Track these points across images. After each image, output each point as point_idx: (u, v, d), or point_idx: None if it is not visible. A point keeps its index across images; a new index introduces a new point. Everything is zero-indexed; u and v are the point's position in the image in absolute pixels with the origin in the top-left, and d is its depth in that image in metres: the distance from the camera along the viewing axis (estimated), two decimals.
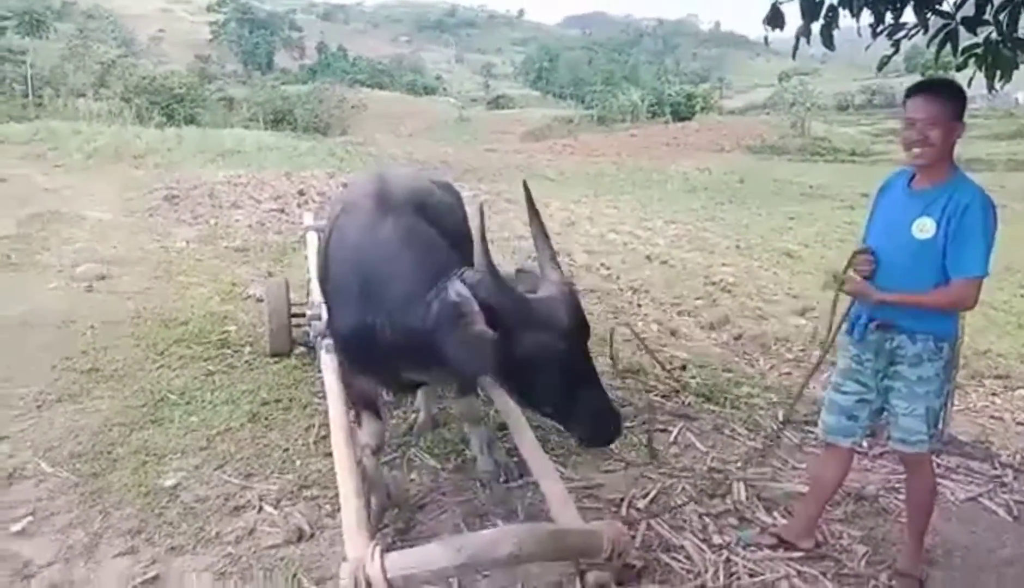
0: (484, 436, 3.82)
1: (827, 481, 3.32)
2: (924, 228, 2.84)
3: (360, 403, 3.44)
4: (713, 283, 8.31)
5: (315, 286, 4.99)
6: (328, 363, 3.93)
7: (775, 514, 3.59)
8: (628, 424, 4.53)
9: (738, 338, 6.51)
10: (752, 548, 3.29)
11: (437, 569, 2.57)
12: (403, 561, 2.58)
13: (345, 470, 3.17)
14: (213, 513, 3.51)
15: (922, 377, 2.92)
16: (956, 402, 5.15)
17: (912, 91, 2.91)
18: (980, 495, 3.85)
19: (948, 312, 2.93)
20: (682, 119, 37.19)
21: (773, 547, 3.33)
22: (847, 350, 3.12)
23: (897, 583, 3.09)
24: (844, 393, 3.13)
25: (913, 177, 2.98)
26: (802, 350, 6.35)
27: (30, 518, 3.43)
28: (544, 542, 2.76)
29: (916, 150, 2.85)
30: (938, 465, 4.13)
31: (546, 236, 2.77)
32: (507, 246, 9.53)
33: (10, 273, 7.62)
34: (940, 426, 3.06)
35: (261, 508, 3.55)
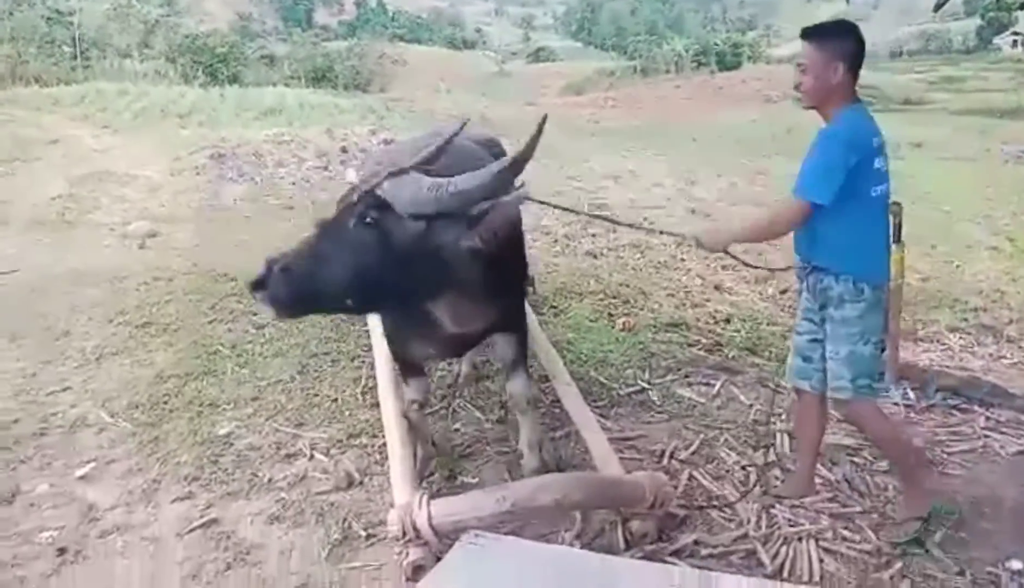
0: (533, 430, 3.44)
1: (804, 430, 3.33)
2: (804, 162, 2.93)
3: (407, 366, 3.45)
4: None
5: None
6: (374, 318, 4.01)
7: (818, 465, 3.57)
8: (671, 377, 4.54)
9: (784, 292, 6.41)
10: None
11: (482, 516, 2.63)
12: (448, 508, 2.66)
13: (392, 421, 3.25)
14: (265, 460, 3.63)
15: (845, 318, 2.92)
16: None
17: (800, 34, 2.97)
18: None
19: (867, 252, 2.90)
20: (728, 69, 36.12)
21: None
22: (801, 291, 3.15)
23: (896, 534, 3.05)
24: (799, 333, 3.19)
25: None
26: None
27: (93, 464, 3.60)
28: (587, 491, 2.81)
29: (799, 95, 2.96)
30: (987, 418, 4.07)
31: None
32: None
33: (64, 231, 7.84)
34: (875, 378, 2.99)
35: (312, 456, 3.66)
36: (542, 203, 3.83)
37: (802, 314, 3.18)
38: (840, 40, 2.87)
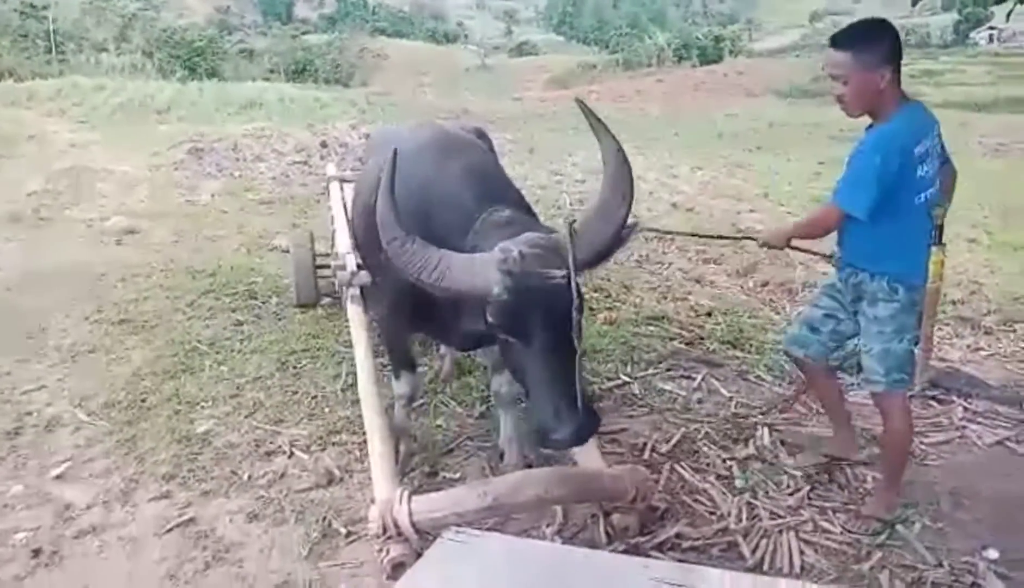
0: (516, 426, 3.50)
1: (822, 397, 3.47)
2: (848, 164, 2.92)
3: (398, 358, 3.47)
4: (740, 230, 8.19)
5: (340, 236, 5.01)
6: (354, 314, 3.97)
7: (798, 458, 3.59)
8: (652, 371, 4.54)
9: (765, 285, 6.44)
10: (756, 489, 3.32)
11: (463, 512, 2.61)
12: (430, 504, 2.64)
13: (373, 417, 3.22)
14: (245, 458, 3.60)
15: (877, 317, 2.95)
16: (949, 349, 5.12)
17: (830, 42, 2.88)
18: (1007, 439, 3.81)
19: (904, 254, 2.86)
20: (710, 62, 36.26)
21: (827, 465, 3.44)
22: (833, 276, 3.22)
23: (856, 525, 3.09)
24: (816, 306, 3.26)
25: None
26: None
27: (69, 464, 3.54)
28: (568, 486, 2.80)
29: (840, 106, 2.90)
30: (964, 409, 4.11)
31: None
32: (530, 195, 9.46)
33: (41, 228, 7.74)
34: (909, 371, 3.02)
35: (292, 453, 3.63)
36: (653, 231, 4.13)
37: (825, 290, 3.25)
38: (879, 42, 2.76)
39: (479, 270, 2.36)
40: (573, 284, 2.31)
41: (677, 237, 7.79)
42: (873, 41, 2.77)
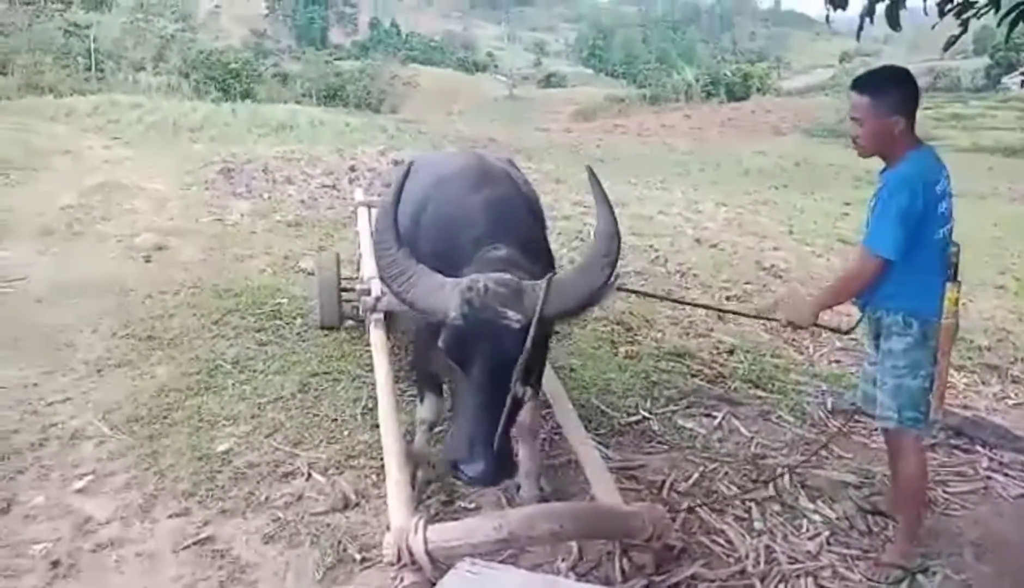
0: (533, 458, 3.45)
1: (890, 462, 3.30)
2: (872, 209, 2.95)
3: (425, 380, 3.51)
4: (764, 269, 8.17)
5: (366, 261, 5.06)
6: (377, 339, 4.00)
7: (819, 502, 3.55)
8: (672, 407, 4.52)
9: (789, 324, 6.40)
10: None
11: (478, 543, 2.61)
12: (445, 534, 2.63)
13: (391, 443, 3.24)
14: (263, 478, 3.61)
15: (892, 350, 2.96)
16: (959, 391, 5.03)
17: (851, 85, 2.94)
18: None
19: (919, 290, 2.88)
20: (738, 99, 36.39)
21: (873, 514, 3.40)
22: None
23: (875, 573, 3.04)
24: (871, 363, 3.22)
25: None
26: (853, 339, 6.22)
27: (91, 477, 3.58)
28: (584, 522, 2.79)
29: (855, 147, 2.97)
30: (990, 459, 4.05)
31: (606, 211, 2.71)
32: (553, 226, 9.51)
33: (72, 241, 7.88)
34: (923, 411, 2.98)
35: (309, 475, 3.64)
36: (630, 292, 4.66)
37: (868, 343, 3.25)
38: (896, 90, 2.85)
39: (443, 293, 2.49)
40: (532, 331, 2.39)
41: (700, 273, 7.78)
42: (890, 88, 2.86)
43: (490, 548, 2.63)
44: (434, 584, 2.54)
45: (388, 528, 2.76)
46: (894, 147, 2.88)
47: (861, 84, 2.90)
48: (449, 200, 3.17)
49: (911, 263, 2.84)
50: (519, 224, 3.10)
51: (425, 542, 2.58)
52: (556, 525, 2.67)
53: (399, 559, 2.60)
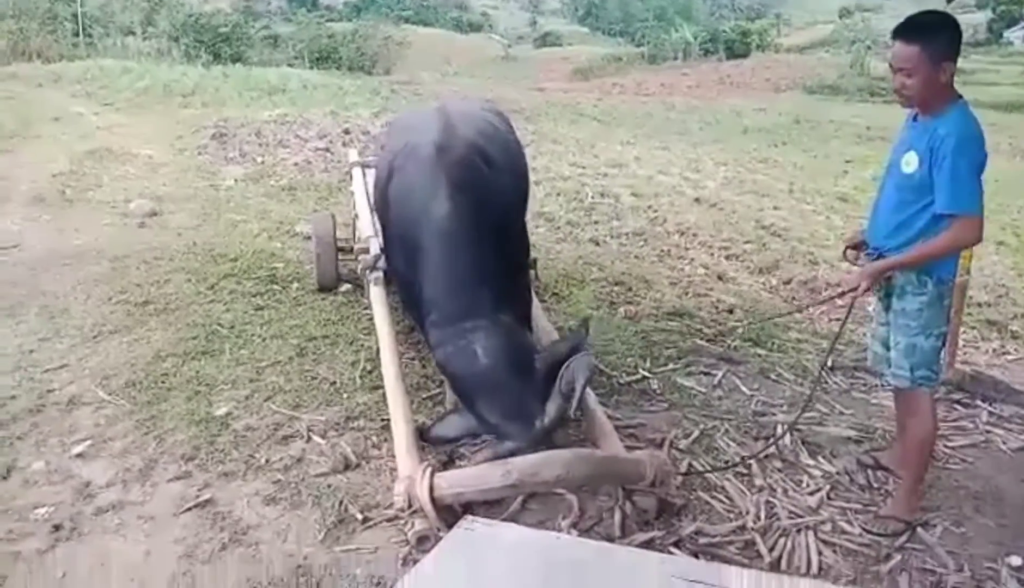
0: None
1: (898, 419, 3.30)
2: (910, 162, 2.82)
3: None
4: (764, 227, 8.11)
5: (363, 222, 5.03)
6: (376, 295, 4.01)
7: (819, 458, 3.56)
8: (672, 366, 4.51)
9: (788, 283, 6.38)
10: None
11: (486, 489, 2.61)
12: (453, 481, 2.64)
13: (395, 395, 3.25)
14: (263, 441, 3.61)
15: (906, 310, 2.91)
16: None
17: (893, 34, 2.82)
18: None
19: (941, 256, 2.83)
20: (736, 57, 35.89)
21: (873, 468, 3.39)
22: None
23: (875, 526, 3.04)
24: (880, 324, 3.16)
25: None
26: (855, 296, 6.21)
27: (89, 442, 3.57)
28: (589, 467, 2.80)
29: (900, 98, 2.85)
30: (989, 413, 4.05)
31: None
32: (552, 188, 9.43)
33: (65, 208, 7.81)
34: (936, 370, 2.98)
35: (309, 438, 3.64)
36: None
37: (877, 303, 3.19)
38: (945, 35, 2.75)
39: None
40: None
41: (700, 233, 7.74)
42: (939, 34, 2.75)
43: (497, 494, 2.65)
44: (444, 530, 2.56)
45: (395, 477, 2.78)
46: (939, 96, 2.78)
47: (908, 32, 2.77)
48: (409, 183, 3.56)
49: (934, 219, 2.78)
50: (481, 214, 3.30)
51: (432, 489, 2.58)
52: (562, 471, 2.67)
53: (409, 505, 2.61)
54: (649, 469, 2.84)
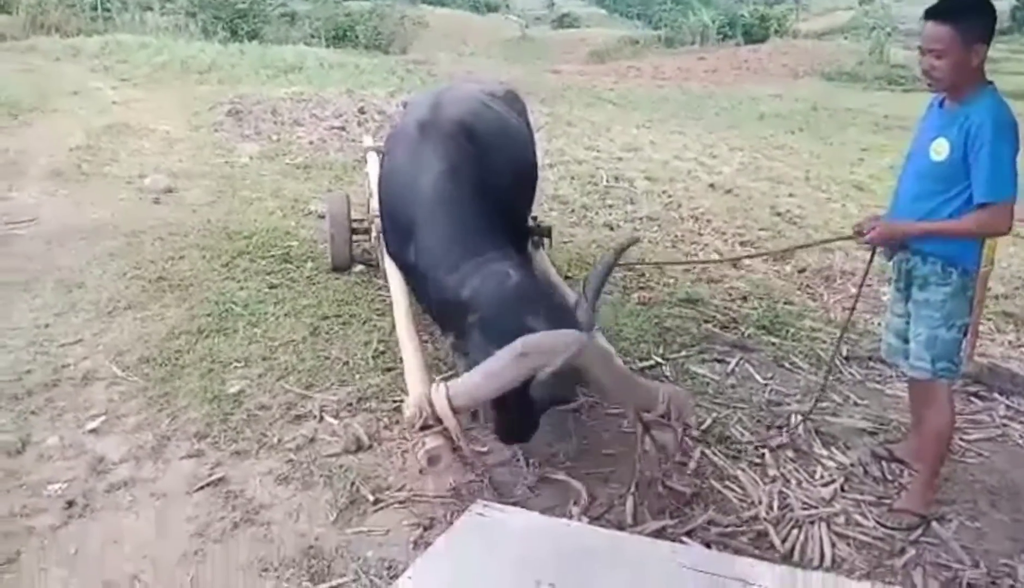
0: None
1: (914, 411, 3.27)
2: (939, 149, 2.76)
3: None
4: (779, 214, 8.02)
5: (376, 202, 5.04)
6: (391, 265, 4.03)
7: (833, 449, 3.53)
8: (685, 353, 4.49)
9: (802, 271, 6.31)
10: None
11: (501, 383, 2.60)
12: (467, 383, 2.63)
13: (404, 331, 3.38)
14: (275, 420, 3.62)
15: (928, 301, 2.85)
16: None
17: (925, 15, 2.75)
18: None
19: (962, 237, 2.79)
20: (754, 42, 35.39)
21: (888, 460, 3.36)
22: (890, 270, 3.08)
23: (889, 519, 3.02)
24: (896, 315, 3.11)
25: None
26: (868, 285, 6.14)
27: (103, 418, 3.59)
28: (604, 365, 2.77)
29: (929, 81, 2.77)
30: (1007, 407, 4.01)
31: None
32: (566, 171, 9.37)
33: (81, 183, 7.82)
34: (957, 362, 2.93)
35: (321, 418, 3.65)
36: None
37: (893, 293, 3.14)
38: (979, 17, 2.69)
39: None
40: None
41: (714, 219, 7.68)
42: (973, 16, 2.68)
43: (512, 380, 2.57)
44: (456, 445, 2.60)
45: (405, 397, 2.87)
46: (969, 80, 2.72)
47: (942, 13, 2.70)
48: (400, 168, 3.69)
49: (960, 209, 2.73)
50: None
51: (448, 397, 2.57)
52: (577, 349, 2.57)
53: (421, 423, 2.60)
54: (662, 397, 2.79)
